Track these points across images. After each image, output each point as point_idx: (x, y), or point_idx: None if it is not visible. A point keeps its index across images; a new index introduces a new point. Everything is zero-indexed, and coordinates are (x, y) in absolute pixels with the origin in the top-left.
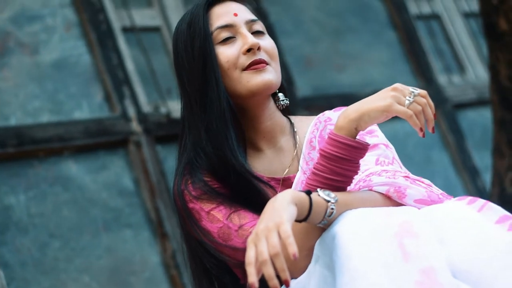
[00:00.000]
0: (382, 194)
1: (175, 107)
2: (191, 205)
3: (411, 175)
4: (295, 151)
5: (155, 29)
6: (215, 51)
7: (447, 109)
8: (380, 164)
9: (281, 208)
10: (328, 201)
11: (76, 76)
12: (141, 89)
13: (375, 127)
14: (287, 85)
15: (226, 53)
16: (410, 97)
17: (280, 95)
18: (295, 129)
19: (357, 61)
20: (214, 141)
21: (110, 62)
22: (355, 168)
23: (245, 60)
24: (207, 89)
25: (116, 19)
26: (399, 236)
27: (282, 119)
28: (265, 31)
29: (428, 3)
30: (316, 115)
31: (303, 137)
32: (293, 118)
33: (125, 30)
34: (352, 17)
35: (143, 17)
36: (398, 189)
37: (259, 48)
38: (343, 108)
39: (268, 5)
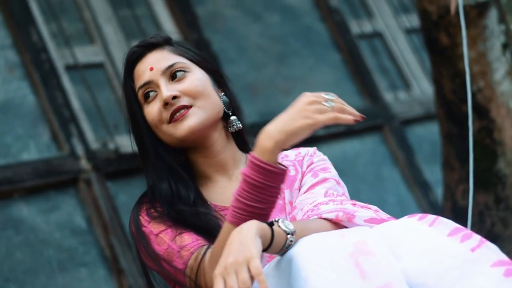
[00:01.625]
0: (332, 221)
1: (123, 143)
2: (143, 228)
3: (358, 202)
4: None
5: (99, 65)
6: (143, 112)
7: (395, 126)
8: (329, 196)
9: (250, 242)
10: (288, 233)
11: (22, 117)
12: (88, 127)
13: (329, 165)
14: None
15: (150, 113)
16: (327, 102)
17: (233, 118)
18: None
19: (302, 84)
20: (153, 186)
21: (55, 101)
22: (278, 193)
23: (166, 114)
24: (142, 145)
25: (59, 57)
26: (355, 255)
27: (236, 152)
28: (189, 68)
29: (369, 22)
30: None
31: None
32: None
33: (69, 68)
34: (295, 41)
35: (86, 54)
36: (346, 212)
37: (175, 97)
38: (302, 149)
39: (211, 34)
